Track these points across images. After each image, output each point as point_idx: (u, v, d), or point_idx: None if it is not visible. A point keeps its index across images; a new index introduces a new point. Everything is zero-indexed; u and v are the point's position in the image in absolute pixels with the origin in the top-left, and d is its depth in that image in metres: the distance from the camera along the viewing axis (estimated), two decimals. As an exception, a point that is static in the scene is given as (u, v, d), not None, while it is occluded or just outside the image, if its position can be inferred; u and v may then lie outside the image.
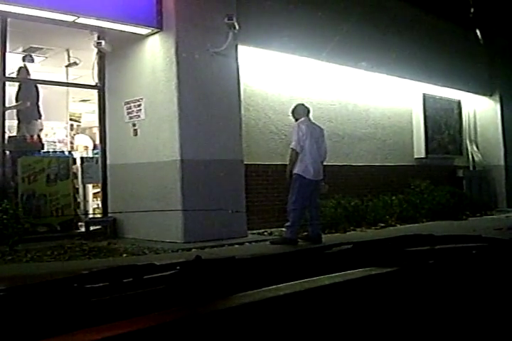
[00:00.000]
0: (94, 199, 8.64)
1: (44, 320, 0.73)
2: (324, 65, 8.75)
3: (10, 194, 6.92)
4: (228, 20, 6.75)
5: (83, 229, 7.18)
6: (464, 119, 12.14)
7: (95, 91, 7.74)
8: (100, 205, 8.00)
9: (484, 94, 12.37)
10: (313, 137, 6.31)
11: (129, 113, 7.30)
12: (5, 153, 6.98)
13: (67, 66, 8.71)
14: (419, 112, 10.92)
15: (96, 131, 8.51)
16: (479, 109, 12.52)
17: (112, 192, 7.54)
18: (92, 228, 7.16)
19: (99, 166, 7.66)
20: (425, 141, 10.90)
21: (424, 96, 10.95)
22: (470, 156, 12.21)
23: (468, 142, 12.24)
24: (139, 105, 7.15)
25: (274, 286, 0.91)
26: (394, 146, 10.41)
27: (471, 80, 11.50)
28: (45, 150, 7.82)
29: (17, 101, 7.50)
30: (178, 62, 6.68)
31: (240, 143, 7.27)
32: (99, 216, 7.74)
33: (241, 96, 7.34)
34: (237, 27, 6.82)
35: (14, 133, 7.59)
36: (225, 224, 6.63)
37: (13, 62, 7.54)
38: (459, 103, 12.03)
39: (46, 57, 8.72)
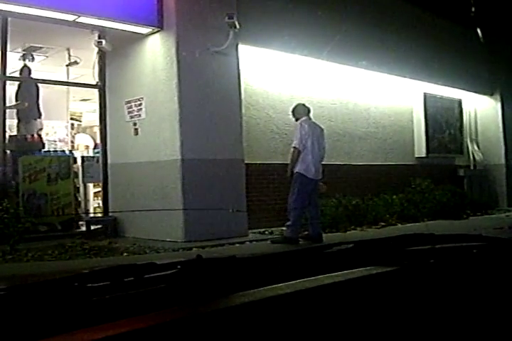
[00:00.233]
0: (95, 198, 8.66)
1: (45, 319, 0.73)
2: (325, 64, 8.75)
3: (11, 193, 6.93)
4: (229, 19, 6.75)
5: (84, 229, 7.19)
6: (464, 118, 12.13)
7: (96, 91, 7.74)
8: (101, 204, 8.01)
9: (485, 93, 12.36)
10: (315, 136, 6.32)
11: (129, 112, 7.30)
12: (6, 153, 6.99)
13: (67, 65, 8.71)
14: (420, 111, 10.91)
15: (97, 130, 8.53)
16: (480, 108, 12.51)
17: (113, 192, 7.54)
18: (92, 227, 7.17)
19: (99, 165, 7.67)
20: (426, 140, 10.89)
21: (425, 95, 10.93)
22: (471, 155, 12.20)
23: (469, 141, 12.23)
24: (140, 104, 7.15)
25: (274, 285, 0.91)
26: (394, 145, 10.41)
27: (472, 79, 11.50)
28: (46, 149, 7.84)
29: (17, 100, 7.50)
30: (178, 62, 6.68)
31: (241, 142, 7.27)
32: (99, 215, 7.74)
33: (241, 95, 7.34)
34: (237, 26, 6.82)
35: (15, 133, 7.59)
36: (226, 224, 6.63)
37: (14, 61, 7.54)
38: (459, 102, 12.02)
39: (47, 57, 8.71)
